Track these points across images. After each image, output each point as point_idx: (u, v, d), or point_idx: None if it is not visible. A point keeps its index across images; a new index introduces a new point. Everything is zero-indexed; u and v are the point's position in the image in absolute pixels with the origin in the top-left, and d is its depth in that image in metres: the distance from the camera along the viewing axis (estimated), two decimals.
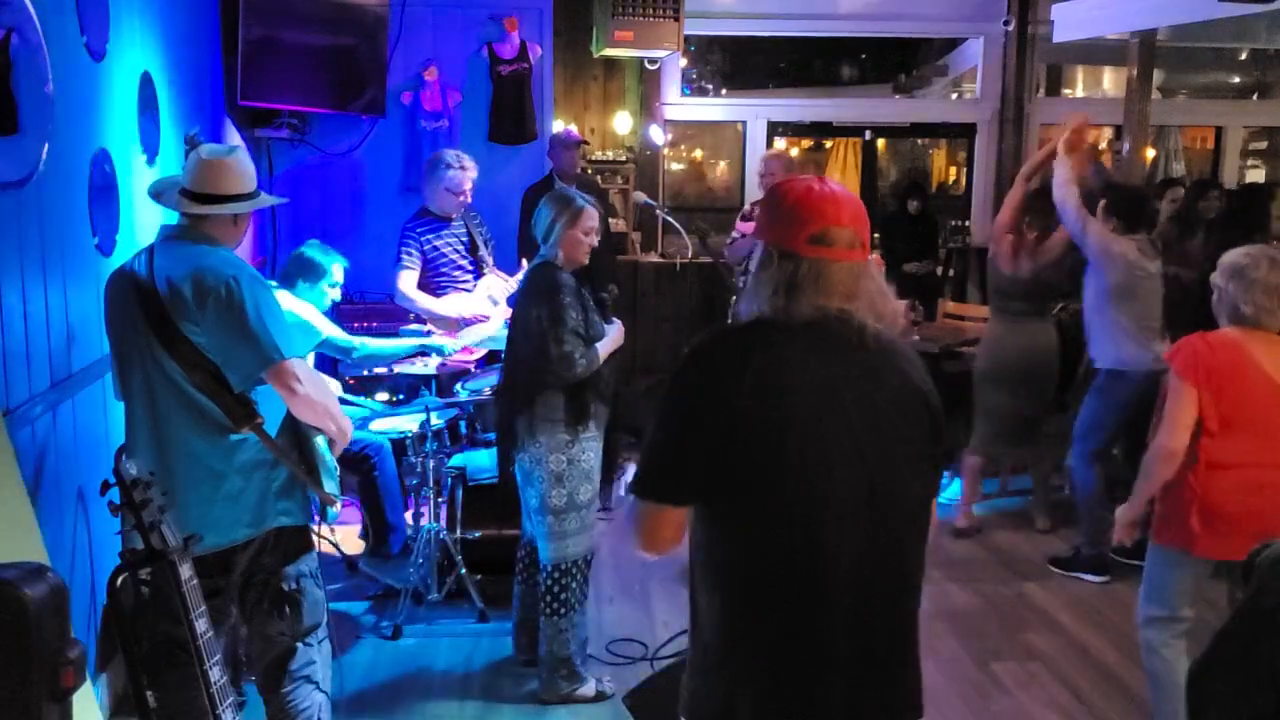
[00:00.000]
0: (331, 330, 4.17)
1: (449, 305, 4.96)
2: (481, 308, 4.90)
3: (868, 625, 1.79)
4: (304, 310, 3.97)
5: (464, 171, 4.91)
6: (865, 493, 1.73)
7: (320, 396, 2.73)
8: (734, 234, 5.78)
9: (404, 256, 4.93)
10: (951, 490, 5.74)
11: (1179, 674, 3.14)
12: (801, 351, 1.75)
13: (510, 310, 3.86)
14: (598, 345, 3.55)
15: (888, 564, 1.80)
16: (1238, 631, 1.91)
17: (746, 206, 5.81)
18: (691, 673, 1.86)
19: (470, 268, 5.06)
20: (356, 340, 4.30)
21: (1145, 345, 4.62)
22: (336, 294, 4.25)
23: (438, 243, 4.97)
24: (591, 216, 3.61)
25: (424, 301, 4.94)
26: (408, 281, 4.93)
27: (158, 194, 2.80)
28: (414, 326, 4.90)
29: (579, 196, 3.64)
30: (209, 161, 2.71)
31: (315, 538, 2.90)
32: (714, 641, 1.80)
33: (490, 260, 5.14)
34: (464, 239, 5.05)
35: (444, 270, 4.99)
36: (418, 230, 4.96)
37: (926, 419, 1.81)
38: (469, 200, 5.00)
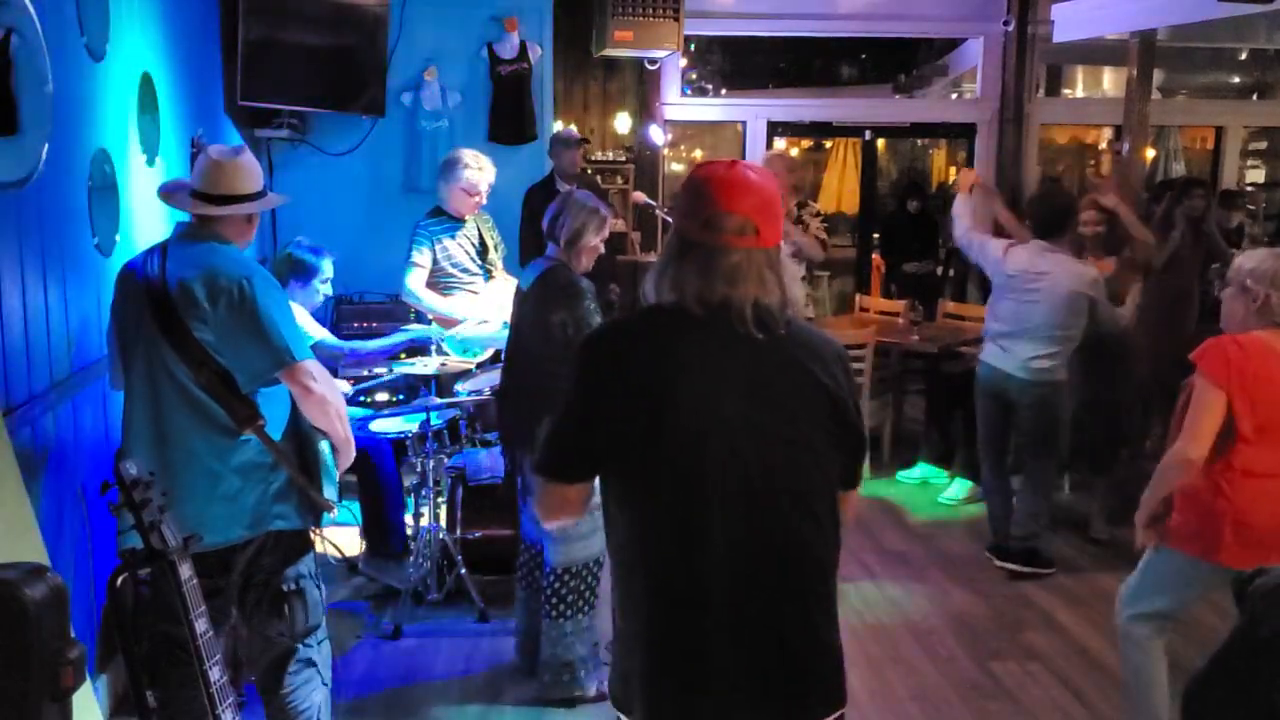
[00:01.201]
0: (321, 333, 4.17)
1: (457, 305, 4.96)
2: (487, 311, 4.91)
3: (748, 613, 1.78)
4: (300, 315, 3.98)
5: (481, 172, 4.90)
6: (742, 480, 1.76)
7: (333, 398, 2.75)
8: None
9: (415, 254, 4.92)
10: (958, 490, 5.75)
11: (1159, 670, 3.14)
12: (686, 340, 1.80)
13: (512, 311, 3.80)
14: None
15: (773, 553, 1.79)
16: (1234, 661, 1.88)
17: None
18: (615, 644, 1.98)
19: (478, 270, 5.07)
20: (346, 345, 4.30)
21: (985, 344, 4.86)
22: (328, 289, 4.25)
23: (449, 243, 4.97)
24: (609, 225, 3.66)
25: (432, 300, 4.94)
26: (417, 279, 4.93)
27: (167, 196, 2.81)
28: (414, 326, 4.91)
29: (601, 205, 3.64)
30: (219, 162, 2.73)
31: (315, 538, 2.90)
32: (617, 621, 1.91)
33: (500, 264, 5.14)
34: (476, 241, 5.06)
35: (452, 271, 4.99)
36: (431, 229, 4.96)
37: (825, 406, 1.82)
38: (484, 201, 5.00)
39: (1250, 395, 2.89)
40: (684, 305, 1.80)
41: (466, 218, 5.03)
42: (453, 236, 4.97)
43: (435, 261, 4.95)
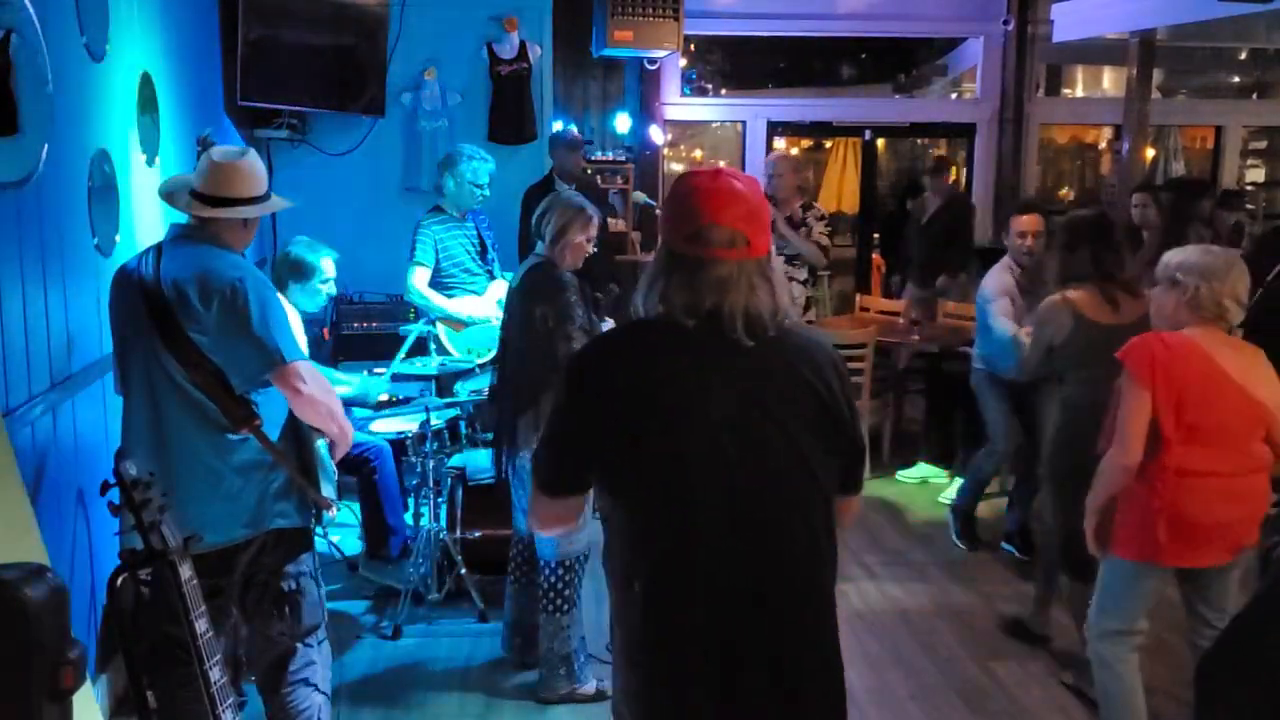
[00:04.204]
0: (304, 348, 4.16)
1: (459, 305, 4.97)
2: (491, 310, 4.92)
3: (743, 628, 1.76)
4: (293, 323, 3.97)
5: (484, 163, 4.94)
6: (731, 490, 1.74)
7: (324, 398, 2.74)
8: None
9: (418, 253, 4.93)
10: (958, 490, 5.74)
11: (1134, 693, 3.11)
12: (671, 352, 1.79)
13: (501, 311, 3.83)
14: None
15: (766, 564, 1.76)
16: (1252, 627, 1.88)
17: None
18: (614, 658, 1.97)
19: (479, 270, 5.08)
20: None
21: None
22: (330, 288, 4.22)
23: (450, 242, 4.98)
24: (595, 223, 3.68)
25: (436, 299, 4.95)
26: (420, 279, 4.93)
27: (168, 195, 2.80)
28: (414, 326, 4.90)
29: (587, 204, 3.66)
30: (220, 164, 2.71)
31: (315, 538, 2.90)
32: (613, 627, 1.91)
33: (497, 264, 5.16)
34: (475, 240, 5.07)
35: (454, 270, 5.00)
36: (433, 228, 4.97)
37: (817, 410, 1.79)
38: (488, 195, 5.01)
39: (1176, 395, 2.87)
40: (672, 317, 1.79)
41: (467, 216, 5.03)
42: (453, 236, 4.99)
43: (437, 261, 4.96)
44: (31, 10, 2.84)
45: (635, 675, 1.83)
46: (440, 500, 4.36)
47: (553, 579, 3.61)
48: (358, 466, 4.46)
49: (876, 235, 8.85)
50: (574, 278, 3.57)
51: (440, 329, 4.96)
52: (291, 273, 4.10)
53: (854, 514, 2.00)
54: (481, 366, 4.74)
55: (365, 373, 4.65)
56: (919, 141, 10.37)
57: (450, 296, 4.99)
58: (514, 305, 3.67)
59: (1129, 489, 2.97)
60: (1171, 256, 3.04)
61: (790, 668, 1.78)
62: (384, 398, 5.08)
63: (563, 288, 3.49)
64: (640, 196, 6.77)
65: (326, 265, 4.13)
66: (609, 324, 3.75)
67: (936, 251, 6.86)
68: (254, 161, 2.77)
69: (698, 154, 10.22)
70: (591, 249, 3.67)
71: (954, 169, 7.46)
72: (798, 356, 1.81)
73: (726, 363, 1.77)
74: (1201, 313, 2.94)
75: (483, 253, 5.11)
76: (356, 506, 4.77)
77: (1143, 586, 3.07)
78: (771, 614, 1.77)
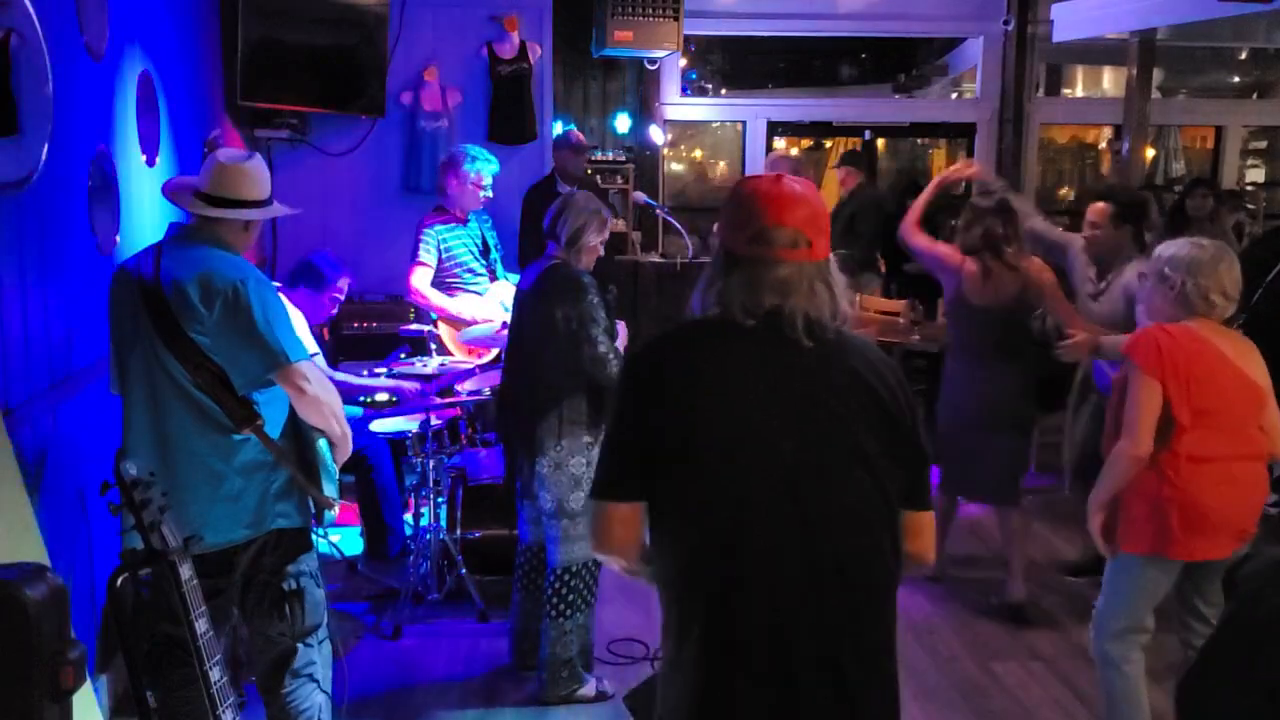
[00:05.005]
0: (312, 349, 4.16)
1: (461, 306, 4.96)
2: (493, 312, 4.91)
3: (802, 646, 1.70)
4: (296, 321, 3.97)
5: (488, 164, 4.94)
6: (788, 494, 1.69)
7: (327, 398, 2.74)
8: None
9: (421, 253, 4.93)
10: None
11: (1140, 692, 3.10)
12: (729, 353, 1.76)
13: (511, 312, 3.80)
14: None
15: (827, 568, 1.70)
16: (1229, 645, 1.87)
17: None
18: (661, 670, 1.89)
19: (481, 271, 5.08)
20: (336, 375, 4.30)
21: None
22: (335, 308, 4.25)
23: (453, 243, 4.98)
24: (609, 226, 3.66)
25: (437, 300, 4.95)
26: (422, 278, 4.93)
27: (172, 194, 2.81)
28: (414, 326, 4.90)
29: (602, 206, 3.63)
30: (225, 166, 2.72)
31: (315, 538, 2.90)
32: (664, 640, 1.83)
33: (500, 265, 5.16)
34: (477, 241, 5.07)
35: (456, 271, 5.00)
36: (436, 228, 4.96)
37: (880, 416, 1.75)
38: (491, 195, 5.02)
39: (1184, 381, 2.89)
40: (730, 316, 1.76)
41: (469, 217, 5.03)
42: (456, 236, 4.99)
43: (440, 261, 4.96)
44: (31, 10, 2.84)
45: (689, 680, 1.74)
46: (440, 500, 4.36)
47: (557, 584, 3.60)
48: (356, 466, 4.45)
49: None
50: (594, 279, 3.54)
51: (441, 329, 4.96)
52: (306, 277, 4.12)
53: (928, 537, 1.87)
54: (482, 367, 4.74)
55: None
56: (919, 141, 10.37)
57: (452, 297, 4.99)
58: (530, 307, 3.58)
59: (1135, 481, 2.97)
60: (1163, 250, 3.06)
61: (856, 689, 1.72)
62: (384, 397, 5.09)
63: (586, 290, 3.44)
64: (640, 196, 6.77)
65: (342, 284, 4.16)
66: (620, 326, 3.73)
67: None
68: (258, 166, 2.78)
69: (698, 154, 10.22)
70: (602, 251, 3.67)
71: (860, 164, 7.39)
72: (858, 360, 1.78)
73: (786, 362, 1.74)
74: (1190, 308, 2.97)
75: (485, 253, 5.11)
76: (355, 507, 4.77)
77: (1151, 582, 3.06)
78: (837, 632, 1.71)
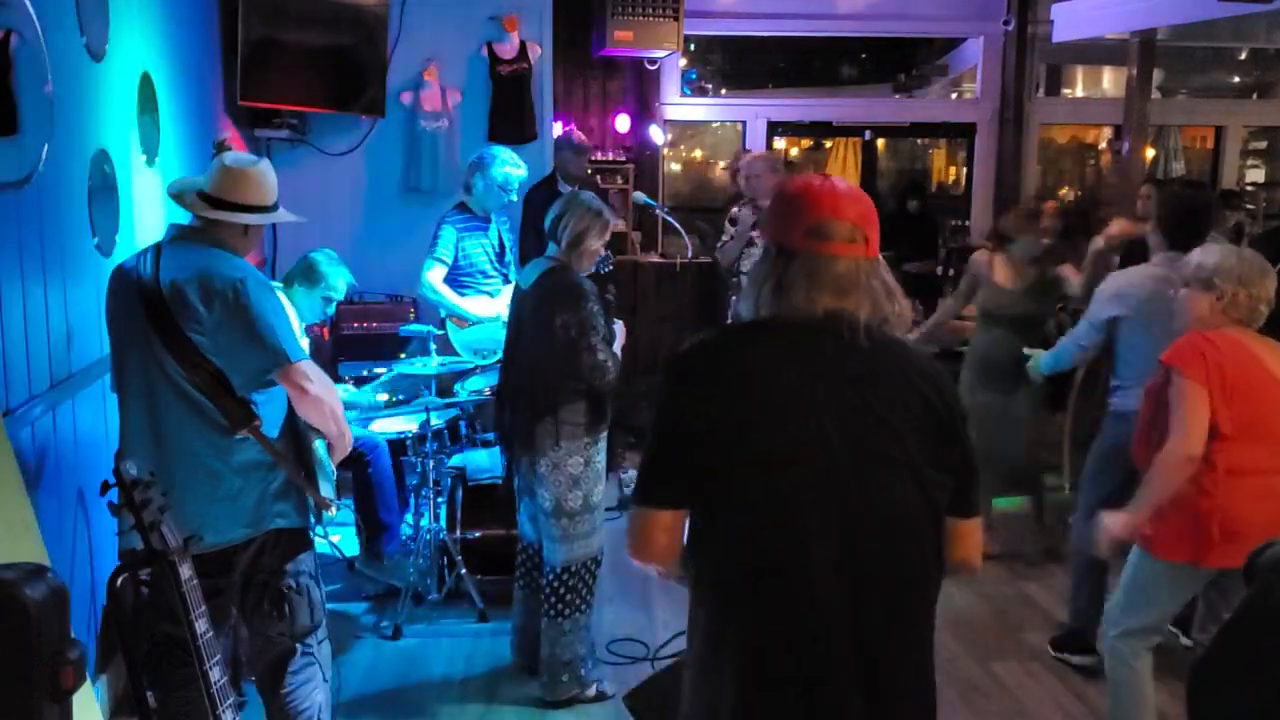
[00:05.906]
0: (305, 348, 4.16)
1: (473, 305, 4.96)
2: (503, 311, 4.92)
3: (840, 640, 1.67)
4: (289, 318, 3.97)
5: (516, 169, 4.93)
6: (838, 498, 1.66)
7: (329, 397, 2.74)
8: (724, 237, 5.79)
9: (439, 249, 4.92)
10: None
11: (1146, 686, 3.11)
12: (781, 353, 1.72)
13: (510, 310, 3.79)
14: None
15: (871, 575, 1.68)
16: (1243, 633, 1.86)
17: (734, 210, 5.80)
18: (687, 674, 1.85)
19: (495, 273, 5.07)
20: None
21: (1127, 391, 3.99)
22: (332, 307, 4.24)
23: (469, 244, 4.97)
24: (611, 228, 3.64)
25: (450, 297, 4.94)
26: (436, 275, 4.92)
27: (177, 194, 2.81)
28: (414, 327, 4.90)
29: (605, 208, 3.62)
30: (231, 168, 2.73)
31: (314, 538, 2.90)
32: (697, 644, 1.78)
33: (512, 267, 5.16)
34: (495, 245, 5.06)
35: (470, 271, 4.99)
36: (455, 227, 4.96)
37: (931, 422, 1.71)
38: (515, 199, 5.01)
39: (1227, 391, 2.87)
40: (782, 317, 1.73)
41: (491, 218, 5.03)
42: (474, 237, 4.98)
43: (455, 260, 4.95)
44: (31, 10, 2.83)
45: (723, 684, 1.72)
46: (440, 500, 4.36)
47: (556, 584, 3.60)
48: (353, 462, 4.45)
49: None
50: (592, 284, 3.53)
51: (449, 328, 4.96)
52: (303, 275, 4.11)
53: (975, 544, 1.83)
54: (482, 367, 4.74)
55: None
56: (919, 141, 10.37)
57: (463, 296, 4.98)
58: (529, 308, 3.57)
59: (1174, 493, 2.92)
60: (1205, 259, 3.03)
61: (897, 700, 1.70)
62: (384, 396, 5.09)
63: (585, 296, 3.44)
64: (640, 196, 6.77)
65: (339, 283, 4.15)
66: (618, 326, 3.73)
67: None
68: (265, 171, 2.78)
69: (698, 154, 10.22)
70: (603, 253, 3.67)
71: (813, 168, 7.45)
72: (909, 363, 1.74)
73: (838, 363, 1.70)
74: (1237, 315, 2.97)
75: (500, 256, 5.10)
76: (352, 503, 4.76)
77: (1181, 589, 3.06)
78: (883, 640, 1.69)
